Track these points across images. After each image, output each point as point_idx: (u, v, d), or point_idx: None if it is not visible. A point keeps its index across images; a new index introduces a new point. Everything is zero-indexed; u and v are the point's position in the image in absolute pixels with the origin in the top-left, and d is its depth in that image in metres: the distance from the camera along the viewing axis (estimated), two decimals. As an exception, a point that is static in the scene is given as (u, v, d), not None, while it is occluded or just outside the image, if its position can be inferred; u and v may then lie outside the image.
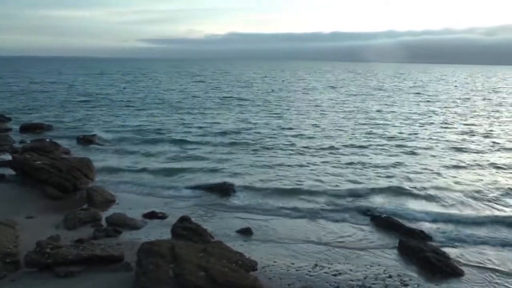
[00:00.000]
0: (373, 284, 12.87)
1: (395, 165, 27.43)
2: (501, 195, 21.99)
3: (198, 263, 11.30)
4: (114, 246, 13.99)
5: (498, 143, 35.52)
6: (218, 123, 41.88)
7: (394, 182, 23.61)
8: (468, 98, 78.06)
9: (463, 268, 14.29)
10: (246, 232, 16.54)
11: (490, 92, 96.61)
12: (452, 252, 15.49)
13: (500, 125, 46.07)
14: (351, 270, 13.70)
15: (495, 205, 20.60)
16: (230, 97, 68.03)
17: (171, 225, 15.94)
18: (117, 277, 12.02)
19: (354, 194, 21.68)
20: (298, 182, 23.22)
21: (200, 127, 39.16)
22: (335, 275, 13.31)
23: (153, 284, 10.69)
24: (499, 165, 27.75)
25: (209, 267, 11.19)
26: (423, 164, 27.65)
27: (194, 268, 11.09)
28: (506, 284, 13.42)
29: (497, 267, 14.51)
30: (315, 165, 26.77)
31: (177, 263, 11.23)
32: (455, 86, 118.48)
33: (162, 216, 17.96)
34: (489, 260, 15.05)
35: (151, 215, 17.96)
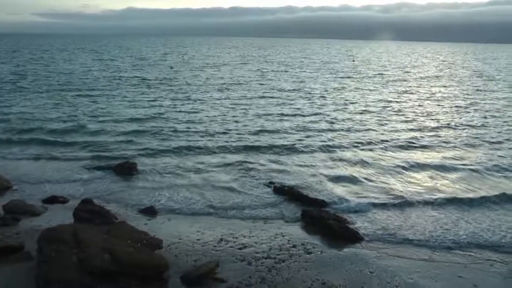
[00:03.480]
0: (278, 255, 13.23)
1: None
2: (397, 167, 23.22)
3: (102, 246, 11.09)
4: (13, 235, 13.34)
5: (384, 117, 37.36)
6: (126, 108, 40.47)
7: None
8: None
9: (363, 233, 15.02)
10: (150, 211, 16.38)
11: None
12: (353, 219, 16.23)
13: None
14: (256, 242, 13.99)
15: (390, 178, 21.58)
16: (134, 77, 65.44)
17: (73, 208, 15.34)
18: (17, 268, 11.54)
19: (260, 159, 22.54)
20: (200, 159, 23.35)
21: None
22: (240, 248, 13.55)
23: (57, 271, 10.39)
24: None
25: (114, 248, 11.03)
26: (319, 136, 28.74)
27: (98, 251, 10.89)
28: (403, 247, 14.27)
29: (395, 232, 15.35)
30: (218, 143, 26.61)
31: (81, 248, 10.95)
32: (353, 61, 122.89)
33: (63, 200, 17.31)
34: (387, 225, 15.84)
35: (52, 200, 17.26)
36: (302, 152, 24.80)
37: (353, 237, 14.71)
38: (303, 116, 35.05)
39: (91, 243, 11.09)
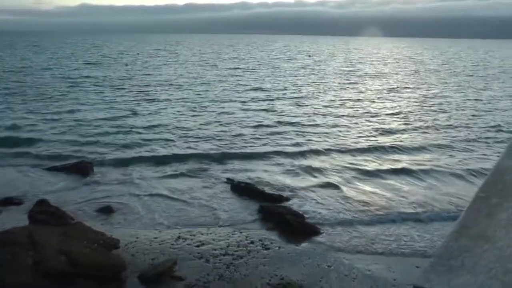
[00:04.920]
0: (236, 251, 13.32)
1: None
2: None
3: (58, 248, 10.99)
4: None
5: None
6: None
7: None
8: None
9: (321, 226, 15.27)
10: (106, 210, 16.23)
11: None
12: (310, 212, 16.47)
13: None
14: (213, 239, 14.05)
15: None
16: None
17: (28, 210, 15.02)
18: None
19: (214, 160, 22.52)
20: (159, 162, 22.90)
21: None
22: (198, 246, 13.57)
23: (11, 275, 10.23)
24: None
25: (70, 250, 10.95)
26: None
27: (54, 253, 10.78)
28: (360, 240, 14.56)
29: (353, 226, 15.67)
30: (177, 146, 26.55)
31: (36, 250, 10.82)
32: (309, 56, 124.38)
33: (18, 202, 16.93)
34: (345, 219, 16.13)
35: (6, 202, 16.85)
36: (262, 155, 24.33)
37: (311, 232, 14.92)
38: (263, 121, 34.16)
39: (47, 245, 10.98)
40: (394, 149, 25.34)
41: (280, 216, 15.57)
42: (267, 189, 18.55)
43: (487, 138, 28.41)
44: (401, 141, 26.91)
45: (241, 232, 14.75)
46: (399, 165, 22.32)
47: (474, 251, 1.34)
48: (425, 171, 21.38)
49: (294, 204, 17.23)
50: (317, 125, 31.20)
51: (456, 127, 31.69)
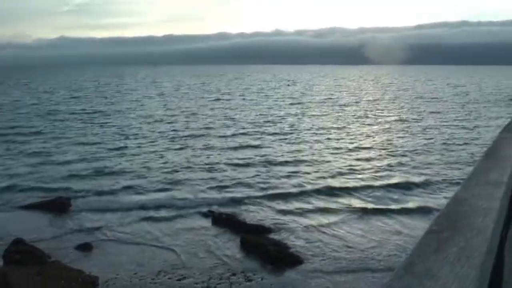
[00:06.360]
0: (218, 284, 13.13)
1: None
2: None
3: (34, 288, 10.71)
4: None
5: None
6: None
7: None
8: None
9: (304, 256, 15.10)
10: (85, 247, 15.88)
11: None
12: (293, 242, 16.33)
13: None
14: (195, 273, 13.81)
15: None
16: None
17: (3, 251, 14.73)
18: None
19: (196, 192, 22.30)
20: (138, 195, 22.64)
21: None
22: (179, 279, 13.36)
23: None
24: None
25: (47, 290, 10.67)
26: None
27: (30, 293, 10.50)
28: (339, 267, 14.43)
29: (334, 253, 15.54)
30: (158, 178, 26.14)
31: (11, 291, 10.54)
32: (288, 85, 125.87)
33: (-7, 242, 16.61)
34: (327, 246, 16.01)
35: (-21, 243, 16.53)
36: (245, 188, 23.81)
37: (294, 261, 14.80)
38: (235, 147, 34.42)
39: (22, 287, 10.68)
40: (384, 188, 24.71)
41: (262, 247, 15.43)
42: (249, 220, 18.41)
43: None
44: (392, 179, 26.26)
45: (223, 265, 14.56)
46: (392, 205, 20.98)
47: None
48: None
49: (276, 234, 17.07)
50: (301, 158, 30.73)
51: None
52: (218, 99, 77.92)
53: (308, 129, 42.45)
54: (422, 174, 25.73)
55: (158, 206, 20.59)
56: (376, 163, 28.44)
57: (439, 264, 1.34)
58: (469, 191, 2.21)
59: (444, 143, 35.00)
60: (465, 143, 35.24)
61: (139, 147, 35.03)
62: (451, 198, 2.15)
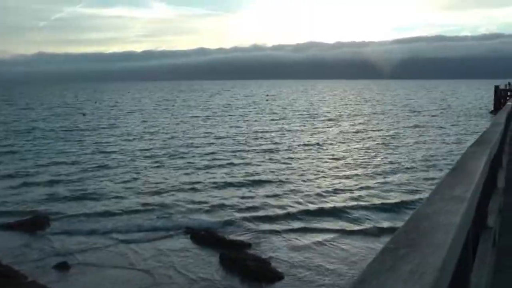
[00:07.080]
0: (199, 302, 13.05)
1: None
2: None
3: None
4: None
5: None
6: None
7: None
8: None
9: (284, 270, 15.05)
10: (62, 267, 15.59)
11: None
12: (273, 257, 16.22)
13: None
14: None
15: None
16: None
17: (-22, 271, 14.54)
18: None
19: (173, 210, 22.14)
20: (116, 215, 22.21)
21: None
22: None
23: None
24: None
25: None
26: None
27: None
28: (322, 282, 14.44)
29: (313, 267, 15.55)
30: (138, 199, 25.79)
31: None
32: (267, 100, 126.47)
33: (-33, 263, 16.29)
34: (307, 262, 15.95)
35: (-46, 264, 16.19)
36: (224, 205, 23.64)
37: (274, 276, 14.72)
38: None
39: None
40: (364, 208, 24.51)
41: (241, 262, 15.34)
42: (228, 237, 18.31)
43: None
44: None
45: (203, 281, 14.41)
46: (370, 225, 20.59)
47: None
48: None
49: (257, 250, 17.00)
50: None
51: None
52: (198, 116, 77.38)
53: (289, 146, 42.19)
54: (403, 192, 25.68)
55: (136, 228, 20.15)
56: (356, 182, 28.24)
57: (392, 282, 1.28)
58: (431, 207, 2.14)
59: (425, 160, 34.95)
60: (444, 158, 35.26)
61: (118, 166, 34.38)
62: (412, 213, 2.08)
